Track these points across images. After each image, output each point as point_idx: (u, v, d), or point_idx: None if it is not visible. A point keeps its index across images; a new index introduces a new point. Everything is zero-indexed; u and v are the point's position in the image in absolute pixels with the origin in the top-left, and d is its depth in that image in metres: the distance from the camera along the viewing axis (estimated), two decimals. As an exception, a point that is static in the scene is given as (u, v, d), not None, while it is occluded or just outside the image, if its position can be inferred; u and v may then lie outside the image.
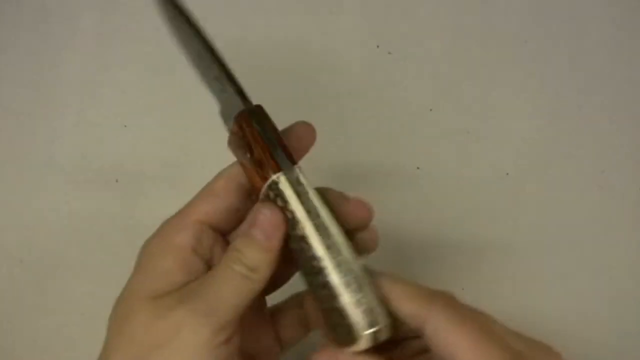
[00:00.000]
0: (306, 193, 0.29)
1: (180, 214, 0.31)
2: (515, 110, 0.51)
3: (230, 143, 0.32)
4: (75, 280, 0.45)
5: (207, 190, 0.31)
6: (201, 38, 0.32)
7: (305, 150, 0.33)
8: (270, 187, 0.30)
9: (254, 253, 0.29)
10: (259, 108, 0.31)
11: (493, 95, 0.51)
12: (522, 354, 0.28)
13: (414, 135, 0.50)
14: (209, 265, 0.31)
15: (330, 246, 0.29)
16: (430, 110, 0.51)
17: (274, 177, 0.29)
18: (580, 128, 0.50)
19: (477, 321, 0.28)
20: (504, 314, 0.45)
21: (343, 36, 0.53)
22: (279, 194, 0.29)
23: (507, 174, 0.49)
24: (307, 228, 0.29)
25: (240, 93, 0.31)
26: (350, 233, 0.31)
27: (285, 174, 0.30)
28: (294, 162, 0.30)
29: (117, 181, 0.48)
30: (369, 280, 0.29)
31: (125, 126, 0.50)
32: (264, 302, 0.34)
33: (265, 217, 0.29)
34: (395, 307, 0.29)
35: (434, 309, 0.28)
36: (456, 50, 0.52)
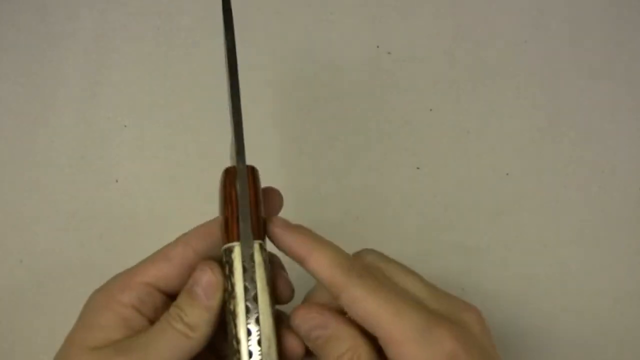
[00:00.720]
0: (253, 272, 0.29)
1: (129, 272, 0.31)
2: (515, 110, 0.51)
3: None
4: (75, 280, 0.45)
5: (161, 254, 0.31)
6: (233, 80, 0.32)
7: (274, 214, 0.33)
8: (225, 251, 0.30)
9: (194, 311, 0.29)
10: (251, 170, 0.31)
11: (493, 95, 0.51)
12: (439, 311, 0.28)
13: (414, 135, 0.50)
14: (153, 324, 0.31)
15: (252, 333, 0.28)
16: (430, 110, 0.51)
17: (230, 244, 0.29)
18: (580, 128, 0.50)
19: (391, 287, 0.29)
20: (504, 314, 0.45)
21: (343, 36, 0.53)
22: (229, 262, 0.29)
23: (507, 174, 0.49)
24: (239, 306, 0.29)
25: (240, 149, 0.31)
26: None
27: (241, 246, 0.29)
28: (259, 237, 0.30)
29: (117, 181, 0.48)
30: None
31: (125, 126, 0.50)
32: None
33: (206, 275, 0.29)
34: (314, 274, 0.29)
35: (349, 279, 0.28)
36: (456, 50, 0.52)
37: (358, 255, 0.32)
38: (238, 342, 0.28)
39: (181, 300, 0.30)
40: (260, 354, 0.28)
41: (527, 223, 0.47)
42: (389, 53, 0.52)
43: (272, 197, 0.32)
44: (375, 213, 0.47)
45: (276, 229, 0.30)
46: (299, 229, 0.30)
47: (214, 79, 0.51)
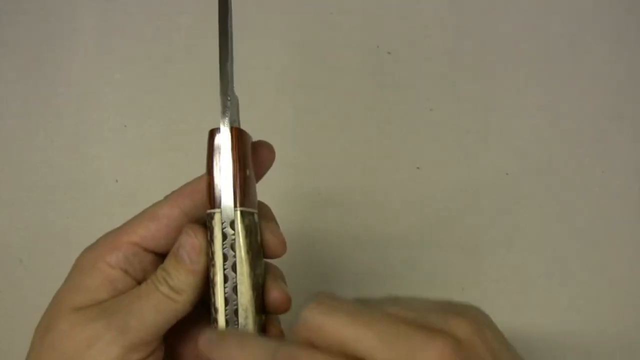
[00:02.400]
0: (232, 241, 0.28)
1: (117, 232, 0.31)
2: (515, 110, 0.51)
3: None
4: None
5: (148, 214, 0.31)
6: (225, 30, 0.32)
7: (263, 171, 0.32)
8: (207, 216, 0.29)
9: (179, 274, 0.29)
10: (236, 132, 0.30)
11: (493, 95, 0.51)
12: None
13: (414, 135, 0.50)
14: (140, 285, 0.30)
15: (229, 303, 0.28)
16: (430, 110, 0.51)
17: (212, 210, 0.29)
18: (580, 128, 0.50)
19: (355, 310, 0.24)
20: (504, 314, 0.45)
21: (343, 36, 0.53)
22: (210, 228, 0.29)
23: (507, 174, 0.49)
24: (217, 275, 0.28)
25: (225, 108, 0.30)
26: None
27: (222, 213, 0.29)
28: (241, 204, 0.29)
29: (117, 181, 0.48)
30: None
31: (125, 126, 0.50)
32: (208, 317, 0.33)
33: (190, 239, 0.29)
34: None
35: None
36: (456, 50, 0.52)
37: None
38: (216, 310, 0.28)
39: (167, 263, 0.29)
40: (237, 324, 0.28)
41: (527, 223, 0.47)
42: (389, 53, 0.52)
43: (262, 152, 0.31)
44: (376, 213, 0.48)
45: (201, 345, 0.28)
46: (221, 342, 0.27)
47: (214, 79, 0.51)
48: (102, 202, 0.48)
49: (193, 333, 0.32)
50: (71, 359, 0.27)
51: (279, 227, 0.31)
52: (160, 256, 0.30)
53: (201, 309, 0.30)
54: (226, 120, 0.29)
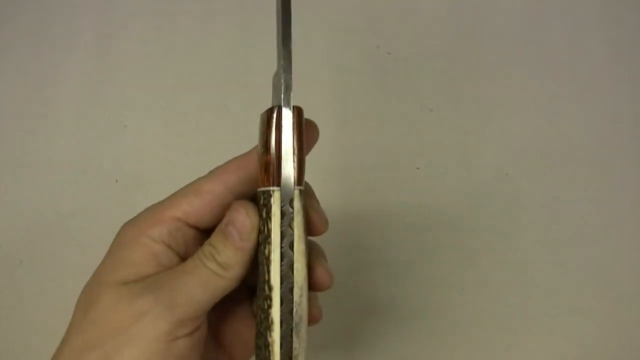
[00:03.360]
0: (291, 219, 0.28)
1: (159, 206, 0.30)
2: (515, 110, 0.51)
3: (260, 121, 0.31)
4: (75, 281, 0.45)
5: (192, 189, 0.30)
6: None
7: (308, 150, 0.32)
8: (263, 193, 0.29)
9: (227, 251, 0.28)
10: (297, 111, 0.30)
11: (493, 95, 0.51)
12: None
13: (414, 135, 0.50)
14: (184, 260, 0.30)
15: (285, 281, 0.28)
16: (430, 110, 0.51)
17: (270, 187, 0.29)
18: (580, 128, 0.50)
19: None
20: (504, 314, 0.45)
21: (343, 36, 0.53)
22: (267, 206, 0.29)
23: (507, 174, 0.49)
24: (275, 252, 0.28)
25: (288, 86, 0.30)
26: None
27: (282, 192, 0.29)
28: (300, 183, 0.29)
29: (117, 181, 0.48)
30: (306, 327, 0.29)
31: (125, 126, 0.50)
32: (248, 295, 0.33)
33: (241, 216, 0.29)
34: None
35: None
36: (456, 50, 0.52)
37: None
38: (270, 288, 0.28)
39: (215, 239, 0.29)
40: (292, 303, 0.28)
41: (528, 223, 0.47)
42: (389, 53, 0.52)
43: (309, 131, 0.31)
44: (376, 213, 0.47)
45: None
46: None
47: (214, 79, 0.51)
48: (102, 202, 0.48)
49: (233, 311, 0.32)
50: (117, 333, 0.27)
51: (320, 204, 0.31)
52: (203, 232, 0.30)
53: (240, 287, 0.30)
54: (289, 99, 0.30)
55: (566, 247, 0.47)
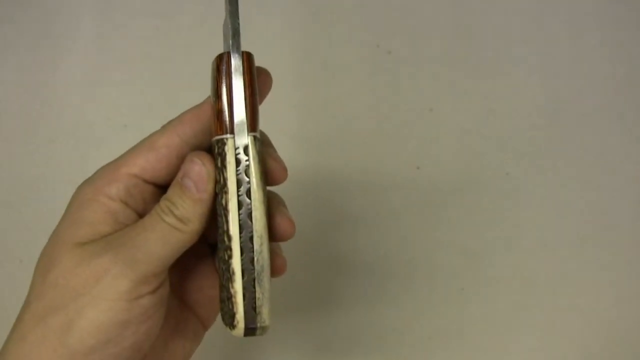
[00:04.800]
0: (247, 166, 0.28)
1: (115, 164, 0.30)
2: (516, 110, 0.51)
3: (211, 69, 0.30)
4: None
5: (147, 144, 0.30)
6: None
7: (262, 98, 0.31)
8: (217, 142, 0.28)
9: (185, 203, 0.28)
10: (247, 57, 0.29)
11: (493, 95, 0.51)
12: None
13: (414, 135, 0.50)
14: (142, 218, 0.29)
15: (244, 230, 0.28)
16: (430, 110, 0.51)
17: (224, 135, 0.28)
18: (580, 128, 0.50)
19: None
20: (504, 314, 0.45)
21: (343, 36, 0.53)
22: (221, 154, 0.28)
23: (507, 174, 0.49)
24: (231, 201, 0.28)
25: (236, 31, 0.29)
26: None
27: (235, 139, 0.28)
28: (254, 130, 0.28)
29: (117, 181, 0.48)
30: (268, 276, 0.28)
31: (125, 126, 0.50)
32: (210, 252, 0.33)
33: (196, 166, 0.28)
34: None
35: None
36: (456, 50, 0.52)
37: None
38: (230, 238, 0.28)
39: (172, 192, 0.28)
40: (252, 252, 0.28)
41: (527, 223, 0.47)
42: (389, 53, 0.52)
43: (261, 78, 0.30)
44: (375, 213, 0.47)
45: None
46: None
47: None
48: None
49: (196, 269, 0.32)
50: (78, 295, 0.26)
51: (277, 153, 0.31)
52: (161, 187, 0.30)
53: (199, 242, 0.29)
54: (238, 44, 0.29)
55: (566, 247, 0.47)
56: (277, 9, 0.54)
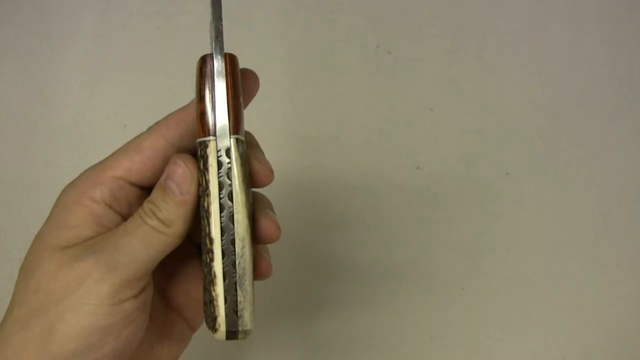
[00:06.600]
0: (229, 169, 0.28)
1: (100, 166, 0.29)
2: (516, 110, 0.51)
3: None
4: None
5: (132, 146, 0.29)
6: None
7: (248, 100, 0.31)
8: (200, 144, 0.28)
9: (168, 206, 0.27)
10: (230, 59, 0.29)
11: (493, 95, 0.51)
12: None
13: (414, 135, 0.50)
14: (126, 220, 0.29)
15: (226, 233, 0.27)
16: (431, 110, 0.51)
17: (206, 138, 0.28)
18: (580, 128, 0.50)
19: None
20: (504, 314, 0.45)
21: (343, 36, 0.53)
22: (204, 157, 0.28)
23: (507, 174, 0.49)
24: (213, 204, 0.27)
25: (219, 33, 0.29)
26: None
27: (217, 141, 0.28)
28: (237, 132, 0.28)
29: (117, 181, 0.48)
30: (251, 280, 0.28)
31: (125, 126, 0.50)
32: (197, 254, 0.33)
33: (180, 168, 0.28)
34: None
35: None
36: (456, 50, 0.52)
37: None
38: (211, 241, 0.27)
39: (155, 195, 0.28)
40: (234, 255, 0.27)
41: (527, 223, 0.47)
42: (389, 53, 0.52)
43: (248, 80, 0.30)
44: (375, 213, 0.47)
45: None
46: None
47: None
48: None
49: (180, 269, 0.32)
50: (60, 300, 0.26)
51: (264, 155, 0.30)
52: (146, 190, 0.29)
53: (186, 244, 0.29)
54: (221, 46, 0.29)
55: (566, 247, 0.47)
56: (277, 9, 0.54)
